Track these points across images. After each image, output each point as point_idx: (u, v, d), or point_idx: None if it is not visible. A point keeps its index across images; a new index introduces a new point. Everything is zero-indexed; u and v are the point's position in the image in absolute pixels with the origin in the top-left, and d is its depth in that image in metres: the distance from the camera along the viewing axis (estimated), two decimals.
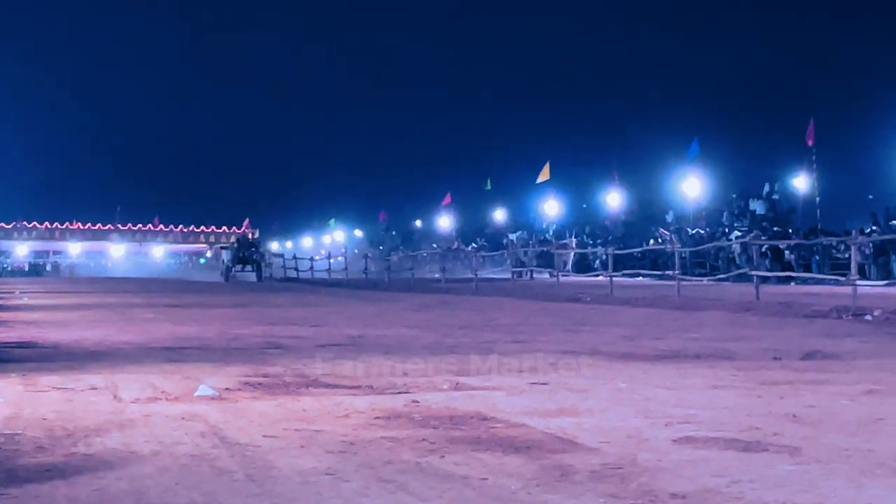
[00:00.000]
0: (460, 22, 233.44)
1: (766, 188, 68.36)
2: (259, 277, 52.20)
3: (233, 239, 54.70)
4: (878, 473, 6.41)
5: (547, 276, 48.05)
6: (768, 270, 40.45)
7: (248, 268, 52.08)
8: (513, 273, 50.50)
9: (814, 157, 65.92)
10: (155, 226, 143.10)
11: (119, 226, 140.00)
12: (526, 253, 66.03)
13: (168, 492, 6.08)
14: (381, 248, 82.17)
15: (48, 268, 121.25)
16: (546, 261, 58.26)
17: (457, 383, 11.16)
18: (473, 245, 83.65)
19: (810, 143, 65.18)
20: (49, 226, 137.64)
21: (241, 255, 52.26)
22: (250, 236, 58.69)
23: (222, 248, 53.63)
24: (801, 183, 68.84)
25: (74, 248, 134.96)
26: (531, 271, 56.50)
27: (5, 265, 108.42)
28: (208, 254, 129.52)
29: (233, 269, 52.25)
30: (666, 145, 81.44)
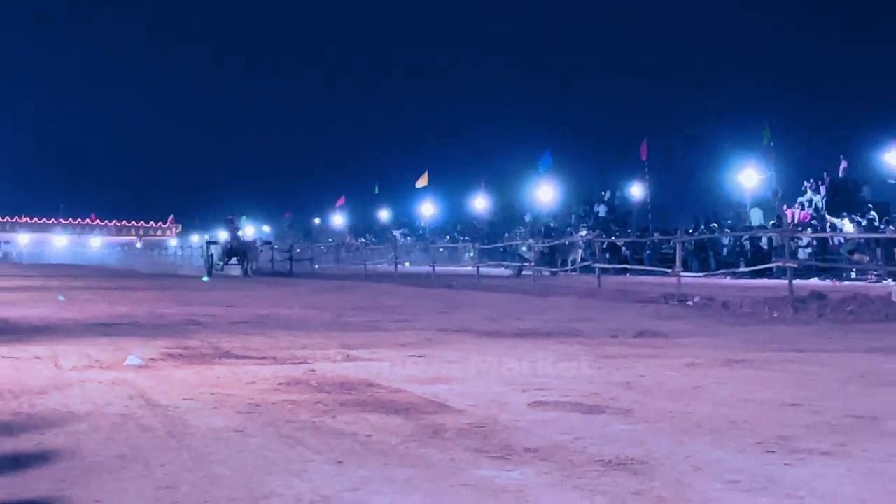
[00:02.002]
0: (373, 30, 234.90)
1: (607, 195, 69.47)
2: (245, 272, 43.30)
3: (223, 233, 46.50)
4: (696, 432, 6.57)
5: (428, 266, 47.73)
6: (608, 263, 40.94)
7: (234, 261, 43.50)
8: (395, 263, 50.15)
9: (646, 170, 67.17)
10: (92, 220, 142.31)
11: (62, 220, 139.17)
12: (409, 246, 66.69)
13: (100, 445, 6.08)
14: (285, 241, 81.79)
15: (1, 251, 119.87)
16: (425, 254, 58.54)
17: (348, 355, 11.23)
18: (363, 239, 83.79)
19: (644, 158, 66.40)
20: (0, 219, 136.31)
21: (231, 247, 43.69)
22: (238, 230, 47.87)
23: (209, 242, 44.30)
24: (636, 190, 70.03)
25: (23, 239, 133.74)
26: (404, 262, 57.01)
27: None
28: (138, 244, 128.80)
29: (222, 264, 43.56)
30: (525, 157, 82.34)
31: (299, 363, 10.42)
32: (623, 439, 6.27)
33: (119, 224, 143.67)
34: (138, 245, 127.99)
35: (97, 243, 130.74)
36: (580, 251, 44.45)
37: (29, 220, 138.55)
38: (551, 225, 60.42)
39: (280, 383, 8.91)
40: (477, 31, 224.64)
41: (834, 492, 4.94)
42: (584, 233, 58.42)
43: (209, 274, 41.42)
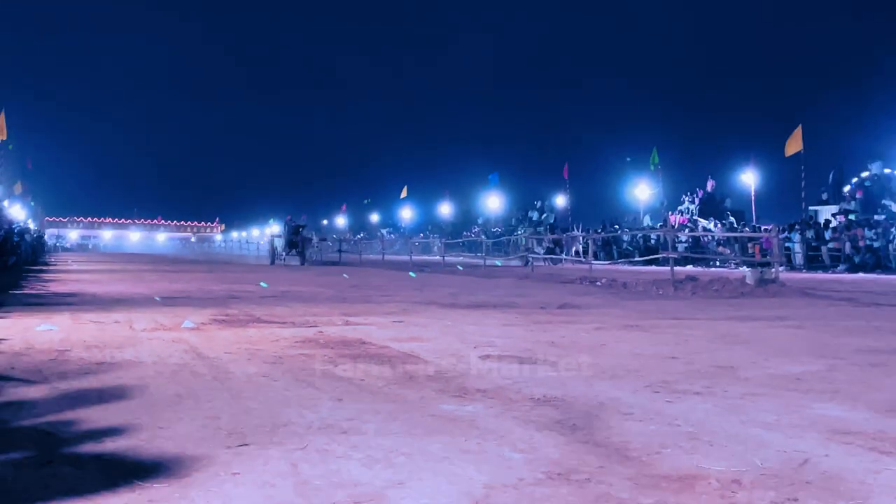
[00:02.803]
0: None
1: (538, 204, 69.60)
2: (302, 261, 40.15)
3: (275, 228, 45.23)
4: (601, 377, 6.61)
5: (406, 256, 47.57)
6: (540, 254, 41.00)
7: (294, 252, 40.07)
8: (382, 254, 50.03)
9: (567, 186, 67.26)
10: (158, 221, 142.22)
11: (135, 220, 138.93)
12: (392, 241, 66.58)
13: (162, 386, 6.09)
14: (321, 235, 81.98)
15: (90, 246, 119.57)
16: (405, 247, 58.60)
17: (347, 321, 11.21)
18: (359, 236, 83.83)
19: (566, 177, 66.62)
20: (89, 220, 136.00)
21: (292, 240, 40.32)
22: (298, 226, 44.04)
23: (274, 236, 41.25)
24: (560, 201, 70.12)
25: (106, 234, 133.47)
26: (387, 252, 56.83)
27: (63, 244, 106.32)
28: (193, 239, 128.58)
29: (284, 255, 40.31)
30: (479, 174, 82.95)
31: (311, 326, 10.45)
32: (549, 383, 6.32)
33: (178, 223, 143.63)
34: (193, 239, 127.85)
35: (162, 238, 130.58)
36: (579, 245, 42.86)
37: (111, 220, 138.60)
38: (553, 222, 59.99)
39: (297, 341, 8.92)
40: (440, 68, 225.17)
41: (702, 420, 4.98)
42: (520, 231, 58.63)
43: (272, 263, 39.40)
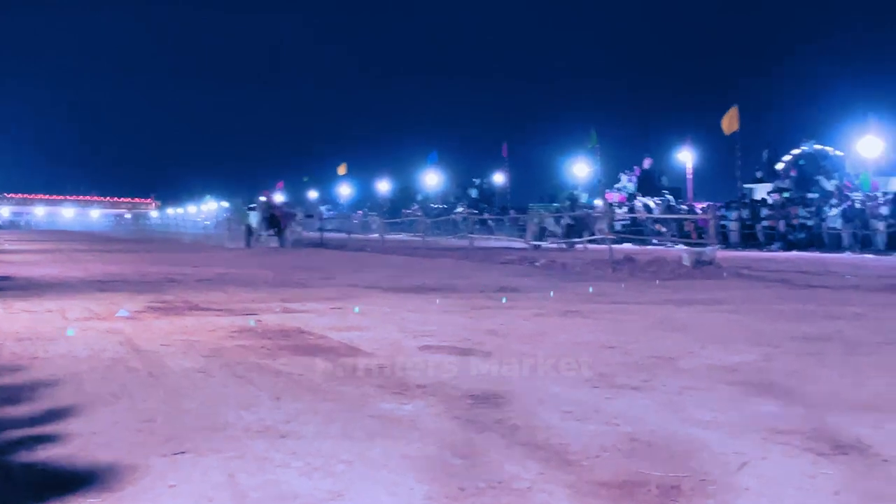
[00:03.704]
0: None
1: (477, 181, 69.69)
2: (281, 242, 33.40)
3: (263, 199, 35.89)
4: (541, 371, 6.59)
5: (344, 234, 47.10)
6: (478, 233, 40.94)
7: (272, 231, 33.03)
8: (321, 232, 49.40)
9: (507, 164, 67.29)
10: (92, 197, 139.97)
11: (69, 196, 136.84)
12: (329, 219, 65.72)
13: (96, 383, 5.97)
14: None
15: (21, 223, 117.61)
16: (345, 224, 58.10)
17: (285, 307, 11.05)
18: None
19: (504, 155, 66.68)
20: (22, 196, 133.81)
21: (272, 215, 33.05)
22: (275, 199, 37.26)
23: (249, 208, 33.81)
24: (498, 178, 70.16)
25: (39, 211, 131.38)
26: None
27: None
28: (127, 215, 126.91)
29: (262, 234, 33.15)
30: (418, 151, 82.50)
31: (249, 314, 10.20)
32: (489, 378, 6.27)
33: (113, 200, 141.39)
34: (127, 216, 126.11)
35: (96, 214, 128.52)
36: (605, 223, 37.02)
37: (43, 196, 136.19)
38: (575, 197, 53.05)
39: (234, 331, 8.77)
40: (379, 46, 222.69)
41: (641, 418, 4.98)
42: (460, 209, 58.39)
43: (248, 245, 31.92)
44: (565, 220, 34.81)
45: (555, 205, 42.55)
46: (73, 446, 4.34)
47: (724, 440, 4.53)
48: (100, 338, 8.18)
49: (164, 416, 4.99)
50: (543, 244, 33.11)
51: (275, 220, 32.16)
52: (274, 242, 32.48)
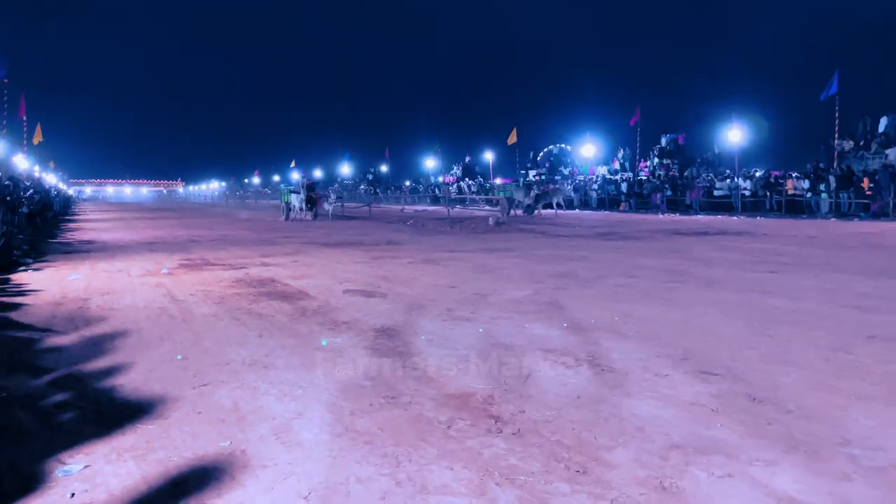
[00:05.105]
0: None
1: (372, 170, 68.22)
2: (314, 216, 26.22)
3: (303, 181, 28.26)
4: (413, 307, 6.33)
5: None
6: (378, 202, 40.32)
7: (309, 207, 26.46)
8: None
9: (388, 160, 65.52)
10: (141, 181, 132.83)
11: (127, 180, 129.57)
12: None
13: (150, 329, 5.60)
14: (237, 192, 75.53)
15: (99, 198, 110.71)
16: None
17: (263, 261, 10.55)
18: (267, 191, 79.29)
19: (386, 156, 64.86)
20: (98, 181, 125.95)
21: (309, 196, 26.65)
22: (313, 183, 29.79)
23: (291, 191, 27.83)
24: (384, 168, 68.58)
25: (109, 190, 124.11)
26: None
27: (83, 196, 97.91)
28: (164, 191, 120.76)
29: (303, 211, 26.53)
30: (335, 149, 79.30)
31: (241, 268, 9.70)
32: (384, 314, 6.04)
33: (155, 182, 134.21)
34: (164, 192, 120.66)
35: (145, 191, 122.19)
36: (561, 196, 30.55)
37: (111, 181, 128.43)
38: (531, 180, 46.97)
39: (233, 281, 8.33)
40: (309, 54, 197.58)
41: (471, 344, 4.89)
42: (363, 187, 57.34)
43: (286, 218, 25.87)
44: (534, 190, 29.01)
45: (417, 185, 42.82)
46: (138, 381, 4.09)
47: (514, 358, 4.46)
48: (151, 291, 7.69)
49: (193, 355, 4.74)
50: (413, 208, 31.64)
51: (311, 200, 26.24)
52: (309, 216, 25.93)
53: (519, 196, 27.65)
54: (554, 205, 29.03)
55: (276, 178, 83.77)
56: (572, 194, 33.17)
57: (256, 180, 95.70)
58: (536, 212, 27.20)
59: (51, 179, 41.68)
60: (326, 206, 26.38)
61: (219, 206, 50.49)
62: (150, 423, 3.37)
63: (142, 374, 4.23)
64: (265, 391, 3.86)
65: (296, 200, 26.16)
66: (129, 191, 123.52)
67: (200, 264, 10.41)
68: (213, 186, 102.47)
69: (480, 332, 5.32)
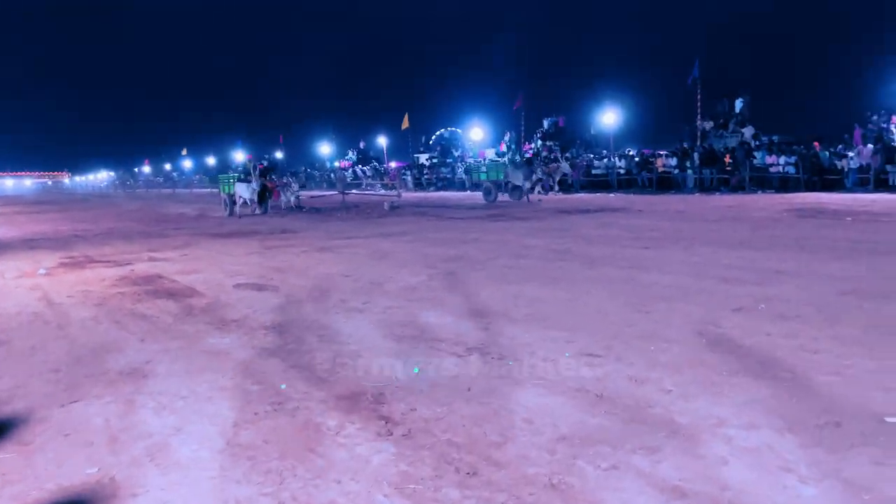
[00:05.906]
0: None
1: (266, 156, 65.76)
2: (265, 210, 19.34)
3: (251, 164, 21.21)
4: (308, 300, 5.95)
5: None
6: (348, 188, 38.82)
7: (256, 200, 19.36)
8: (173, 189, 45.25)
9: (284, 147, 63.18)
10: (26, 173, 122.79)
11: (7, 172, 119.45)
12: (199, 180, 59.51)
13: (22, 338, 5.05)
14: (127, 182, 70.37)
15: None
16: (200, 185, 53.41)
17: (150, 256, 9.85)
18: (160, 179, 74.89)
19: (281, 141, 62.59)
20: None
21: (264, 186, 19.53)
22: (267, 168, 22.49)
23: (241, 180, 19.48)
24: (279, 154, 66.31)
25: None
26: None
27: None
28: (49, 182, 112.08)
29: (253, 203, 19.26)
30: (224, 139, 75.38)
31: (126, 264, 8.98)
32: (275, 310, 5.69)
33: (40, 173, 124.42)
34: (49, 183, 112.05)
35: (28, 183, 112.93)
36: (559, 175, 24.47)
37: None
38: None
39: (116, 280, 7.68)
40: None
41: (363, 337, 4.68)
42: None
43: (230, 214, 19.16)
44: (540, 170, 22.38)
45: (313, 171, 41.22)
46: (1, 399, 3.62)
47: (409, 351, 4.27)
48: (26, 294, 6.97)
49: (66, 365, 4.27)
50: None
51: (266, 190, 19.44)
52: (258, 210, 19.19)
53: (517, 178, 20.85)
54: (555, 185, 23.74)
55: (168, 166, 79.13)
56: (569, 171, 25.94)
57: (147, 169, 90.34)
58: (535, 194, 21.08)
59: None
60: (288, 197, 20.51)
61: (109, 196, 47.37)
62: (10, 450, 2.97)
63: (6, 392, 3.76)
64: (142, 404, 3.50)
65: (245, 191, 19.22)
66: (10, 183, 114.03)
67: (83, 262, 9.58)
68: (102, 177, 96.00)
69: (373, 323, 5.09)
